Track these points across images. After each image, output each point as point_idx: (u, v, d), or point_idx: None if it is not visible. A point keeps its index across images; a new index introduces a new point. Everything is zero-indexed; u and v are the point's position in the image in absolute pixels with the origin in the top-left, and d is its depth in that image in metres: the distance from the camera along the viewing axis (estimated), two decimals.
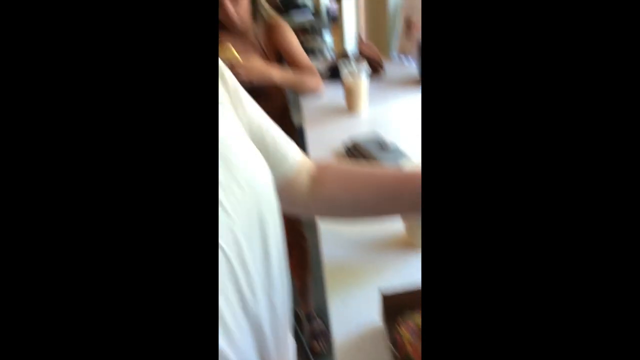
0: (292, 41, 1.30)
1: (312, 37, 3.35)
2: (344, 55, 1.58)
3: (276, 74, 1.21)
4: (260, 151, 0.39)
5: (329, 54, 3.18)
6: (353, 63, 1.27)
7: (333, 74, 1.51)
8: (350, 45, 2.24)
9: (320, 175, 0.49)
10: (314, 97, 1.36)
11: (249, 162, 0.35)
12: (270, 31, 1.28)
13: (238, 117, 0.40)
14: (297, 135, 1.43)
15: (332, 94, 1.37)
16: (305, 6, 3.75)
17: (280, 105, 1.40)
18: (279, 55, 1.32)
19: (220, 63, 0.40)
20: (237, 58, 1.13)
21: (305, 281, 1.56)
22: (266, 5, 1.28)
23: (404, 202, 0.43)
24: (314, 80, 1.31)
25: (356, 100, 1.20)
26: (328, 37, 3.33)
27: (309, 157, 0.50)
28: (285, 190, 0.46)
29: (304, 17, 3.58)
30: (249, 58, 1.19)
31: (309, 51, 3.24)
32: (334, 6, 3.32)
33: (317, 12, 3.63)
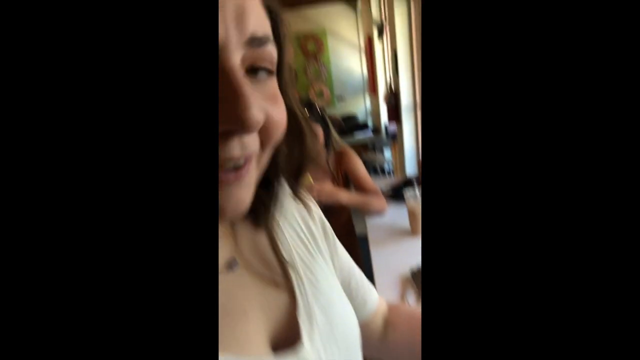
0: (359, 166, 1.43)
1: (372, 153, 3.59)
2: (407, 180, 1.68)
3: (344, 196, 1.32)
4: (346, 295, 0.42)
5: (389, 169, 3.35)
6: (416, 187, 1.35)
7: (395, 193, 1.59)
8: (411, 167, 2.36)
9: (391, 318, 0.50)
10: (379, 217, 1.43)
11: (346, 317, 0.38)
12: (340, 158, 1.44)
13: (335, 268, 0.44)
14: (359, 248, 1.47)
15: (395, 213, 1.43)
16: (366, 125, 4.12)
17: (345, 221, 1.49)
18: (346, 177, 1.45)
19: (325, 220, 0.44)
20: (311, 183, 1.27)
21: None
22: (336, 136, 1.46)
23: None
24: (379, 202, 1.40)
25: (420, 224, 1.25)
26: (388, 154, 3.56)
27: (374, 281, 0.52)
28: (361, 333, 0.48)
29: (365, 135, 3.91)
30: (320, 181, 1.33)
31: (370, 166, 3.46)
32: (393, 126, 3.61)
33: (377, 131, 3.95)
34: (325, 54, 4.12)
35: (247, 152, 0.26)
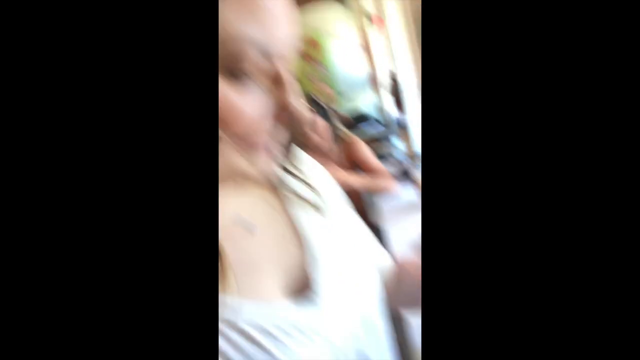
0: (365, 152, 1.50)
1: (382, 144, 3.63)
2: (414, 156, 1.73)
3: (353, 180, 1.39)
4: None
5: (401, 157, 3.38)
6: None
7: (406, 175, 1.65)
8: (418, 146, 2.39)
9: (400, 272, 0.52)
10: (389, 197, 1.49)
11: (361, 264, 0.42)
12: (348, 148, 1.51)
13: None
14: (375, 234, 1.53)
15: (407, 194, 1.48)
16: (373, 118, 4.16)
17: (358, 208, 1.55)
18: (355, 165, 1.52)
19: (332, 183, 0.48)
20: None
21: None
22: (342, 127, 1.53)
23: None
24: (387, 182, 1.46)
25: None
26: (398, 142, 3.59)
27: (390, 252, 0.55)
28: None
29: (374, 129, 3.96)
30: (330, 170, 1.40)
31: (381, 157, 3.48)
32: (402, 116, 3.63)
33: (386, 124, 3.99)
34: (324, 55, 4.19)
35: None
